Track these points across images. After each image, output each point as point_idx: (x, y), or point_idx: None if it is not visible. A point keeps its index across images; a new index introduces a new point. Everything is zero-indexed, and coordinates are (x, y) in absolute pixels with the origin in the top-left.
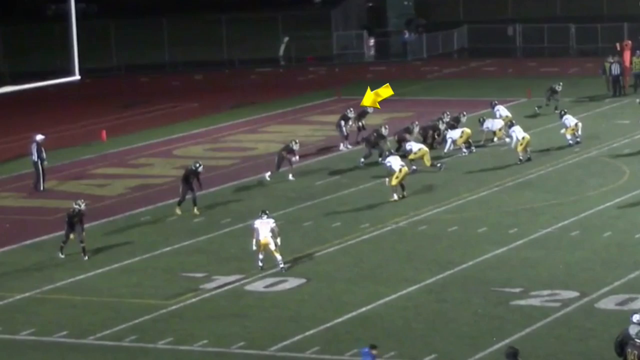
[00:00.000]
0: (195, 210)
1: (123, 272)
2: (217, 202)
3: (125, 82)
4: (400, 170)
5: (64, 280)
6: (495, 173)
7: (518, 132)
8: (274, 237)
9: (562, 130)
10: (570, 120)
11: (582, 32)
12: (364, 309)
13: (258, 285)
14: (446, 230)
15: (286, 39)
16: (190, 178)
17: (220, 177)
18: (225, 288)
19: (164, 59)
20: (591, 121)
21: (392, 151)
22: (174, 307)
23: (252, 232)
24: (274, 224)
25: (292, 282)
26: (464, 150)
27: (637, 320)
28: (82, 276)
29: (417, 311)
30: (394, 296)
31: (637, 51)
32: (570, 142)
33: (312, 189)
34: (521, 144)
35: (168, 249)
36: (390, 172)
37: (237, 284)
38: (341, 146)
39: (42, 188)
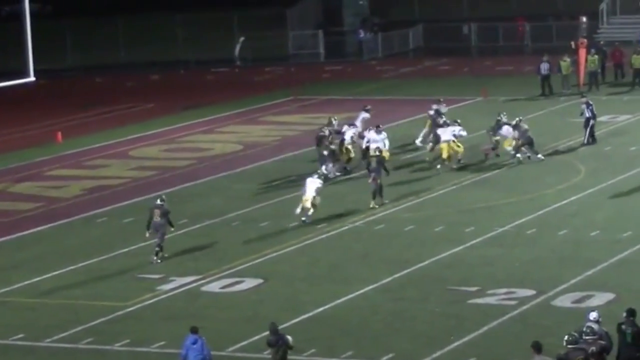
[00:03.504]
0: (373, 203)
1: (79, 274)
2: (173, 203)
3: (81, 83)
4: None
5: (20, 283)
6: (452, 172)
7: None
8: (317, 195)
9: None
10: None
11: (537, 31)
12: (321, 308)
13: (214, 286)
14: (403, 230)
15: (242, 38)
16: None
17: (177, 177)
18: (182, 289)
19: (119, 60)
20: (546, 119)
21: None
22: (130, 309)
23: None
24: (321, 184)
25: (249, 283)
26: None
27: (594, 318)
28: (38, 278)
29: (374, 310)
30: (351, 296)
31: (592, 49)
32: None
33: (269, 189)
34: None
35: (124, 250)
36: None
37: (193, 285)
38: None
39: None
